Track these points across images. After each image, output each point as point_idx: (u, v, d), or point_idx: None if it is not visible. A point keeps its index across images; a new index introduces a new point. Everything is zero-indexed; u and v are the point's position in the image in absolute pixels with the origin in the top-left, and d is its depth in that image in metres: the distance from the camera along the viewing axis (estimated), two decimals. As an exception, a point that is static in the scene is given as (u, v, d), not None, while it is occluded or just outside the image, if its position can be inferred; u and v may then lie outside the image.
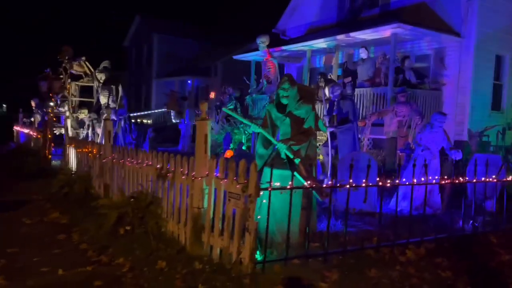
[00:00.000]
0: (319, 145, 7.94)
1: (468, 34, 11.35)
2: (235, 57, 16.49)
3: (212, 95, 24.65)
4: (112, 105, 7.80)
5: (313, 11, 16.19)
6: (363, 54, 11.65)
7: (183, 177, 4.05)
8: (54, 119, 8.41)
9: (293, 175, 3.95)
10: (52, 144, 8.32)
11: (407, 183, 5.07)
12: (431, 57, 12.36)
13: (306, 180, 4.03)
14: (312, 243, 4.41)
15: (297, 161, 4.12)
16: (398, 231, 4.96)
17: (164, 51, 30.52)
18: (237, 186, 3.39)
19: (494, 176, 5.40)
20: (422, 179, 6.28)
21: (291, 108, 4.32)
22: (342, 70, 12.82)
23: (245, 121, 4.25)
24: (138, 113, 27.62)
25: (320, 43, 12.63)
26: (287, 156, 4.18)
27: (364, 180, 4.63)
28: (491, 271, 3.92)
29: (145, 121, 26.90)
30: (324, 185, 4.30)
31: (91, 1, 59.39)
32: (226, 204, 3.57)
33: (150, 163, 4.75)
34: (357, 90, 11.71)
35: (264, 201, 3.91)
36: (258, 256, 3.56)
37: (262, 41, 13.51)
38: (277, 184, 3.85)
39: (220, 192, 3.65)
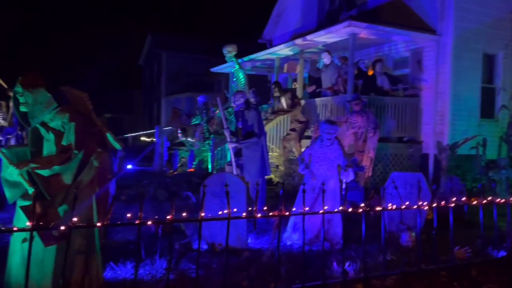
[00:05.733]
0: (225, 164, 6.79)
1: (445, 31, 9.83)
2: (212, 69, 15.64)
3: None
4: (3, 123, 7.11)
5: (297, 17, 15.13)
6: (325, 59, 10.38)
7: None
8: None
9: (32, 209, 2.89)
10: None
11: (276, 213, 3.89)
12: (409, 60, 10.88)
13: (32, 218, 2.94)
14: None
15: (30, 190, 3.06)
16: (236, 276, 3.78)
17: (173, 68, 30.26)
18: None
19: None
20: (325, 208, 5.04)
21: (45, 119, 3.28)
22: (308, 78, 11.57)
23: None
24: (144, 132, 27.44)
25: (283, 50, 11.48)
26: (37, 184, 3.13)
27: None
28: None
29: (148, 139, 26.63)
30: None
31: (113, 20, 61.09)
32: None
33: None
34: (319, 100, 10.44)
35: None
36: None
37: (228, 51, 12.49)
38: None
39: None
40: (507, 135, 9.02)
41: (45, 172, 3.15)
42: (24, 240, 2.97)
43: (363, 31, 9.37)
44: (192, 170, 11.97)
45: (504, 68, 10.55)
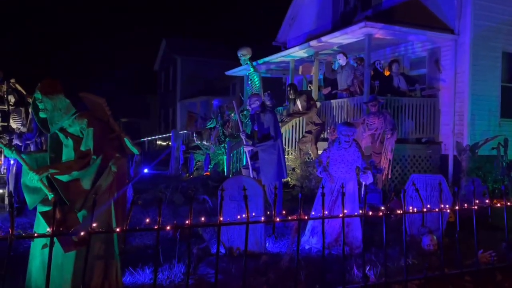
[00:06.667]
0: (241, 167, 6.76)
1: (463, 29, 9.65)
2: (227, 73, 15.67)
3: None
4: (22, 129, 7.22)
5: (311, 18, 15.06)
6: (341, 60, 10.30)
7: None
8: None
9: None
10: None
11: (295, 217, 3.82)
12: (426, 60, 10.71)
13: (52, 224, 2.95)
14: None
15: (50, 196, 3.08)
16: (254, 282, 3.74)
17: (188, 73, 30.43)
18: None
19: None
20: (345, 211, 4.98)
21: (64, 125, 3.30)
22: (323, 80, 11.49)
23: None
24: (161, 136, 27.72)
25: (298, 52, 11.42)
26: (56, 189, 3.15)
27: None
28: None
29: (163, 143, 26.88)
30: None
31: (128, 27, 62.04)
32: None
33: None
34: (335, 102, 10.35)
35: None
36: None
37: (243, 54, 12.53)
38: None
39: None
40: (529, 135, 8.81)
41: (64, 178, 3.17)
42: (44, 246, 2.99)
43: (379, 32, 9.26)
44: (207, 173, 11.98)
45: (525, 66, 10.31)
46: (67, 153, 3.36)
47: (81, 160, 3.21)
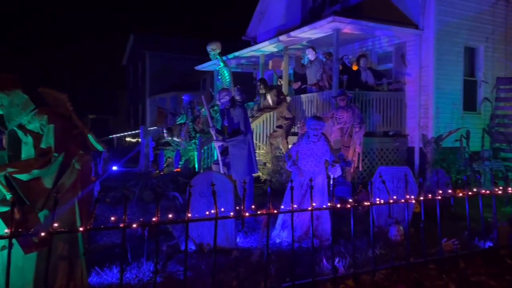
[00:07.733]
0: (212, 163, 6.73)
1: (427, 25, 9.88)
2: (197, 68, 15.51)
3: None
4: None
5: (280, 13, 15.09)
6: (310, 55, 10.36)
7: None
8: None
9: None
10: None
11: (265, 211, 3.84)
12: (392, 54, 10.93)
13: (10, 225, 2.84)
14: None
15: (8, 196, 2.96)
16: (222, 277, 3.73)
17: (157, 68, 29.96)
18: None
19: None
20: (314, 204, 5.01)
21: (23, 121, 3.18)
22: (293, 75, 11.55)
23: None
24: (129, 132, 27.23)
25: (267, 47, 11.42)
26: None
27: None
28: None
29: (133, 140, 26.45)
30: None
31: (95, 21, 60.62)
32: None
33: None
34: (304, 96, 10.42)
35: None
36: None
37: (212, 49, 12.39)
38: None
39: None
40: (489, 127, 9.12)
41: (24, 177, 3.05)
42: (3, 248, 2.87)
43: (347, 27, 9.36)
44: (178, 170, 11.86)
45: (485, 61, 10.66)
46: (27, 151, 3.24)
47: (41, 158, 3.10)
